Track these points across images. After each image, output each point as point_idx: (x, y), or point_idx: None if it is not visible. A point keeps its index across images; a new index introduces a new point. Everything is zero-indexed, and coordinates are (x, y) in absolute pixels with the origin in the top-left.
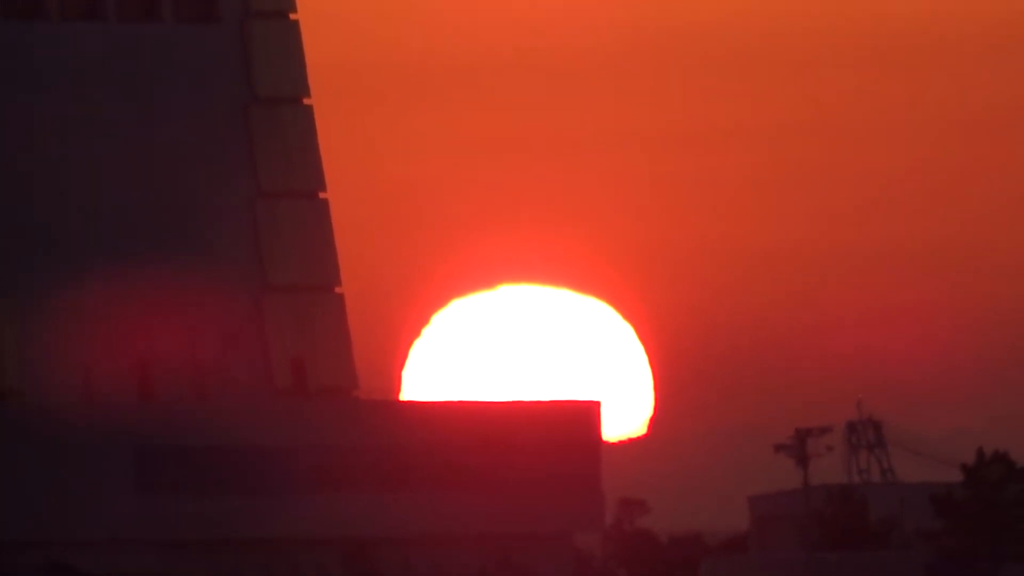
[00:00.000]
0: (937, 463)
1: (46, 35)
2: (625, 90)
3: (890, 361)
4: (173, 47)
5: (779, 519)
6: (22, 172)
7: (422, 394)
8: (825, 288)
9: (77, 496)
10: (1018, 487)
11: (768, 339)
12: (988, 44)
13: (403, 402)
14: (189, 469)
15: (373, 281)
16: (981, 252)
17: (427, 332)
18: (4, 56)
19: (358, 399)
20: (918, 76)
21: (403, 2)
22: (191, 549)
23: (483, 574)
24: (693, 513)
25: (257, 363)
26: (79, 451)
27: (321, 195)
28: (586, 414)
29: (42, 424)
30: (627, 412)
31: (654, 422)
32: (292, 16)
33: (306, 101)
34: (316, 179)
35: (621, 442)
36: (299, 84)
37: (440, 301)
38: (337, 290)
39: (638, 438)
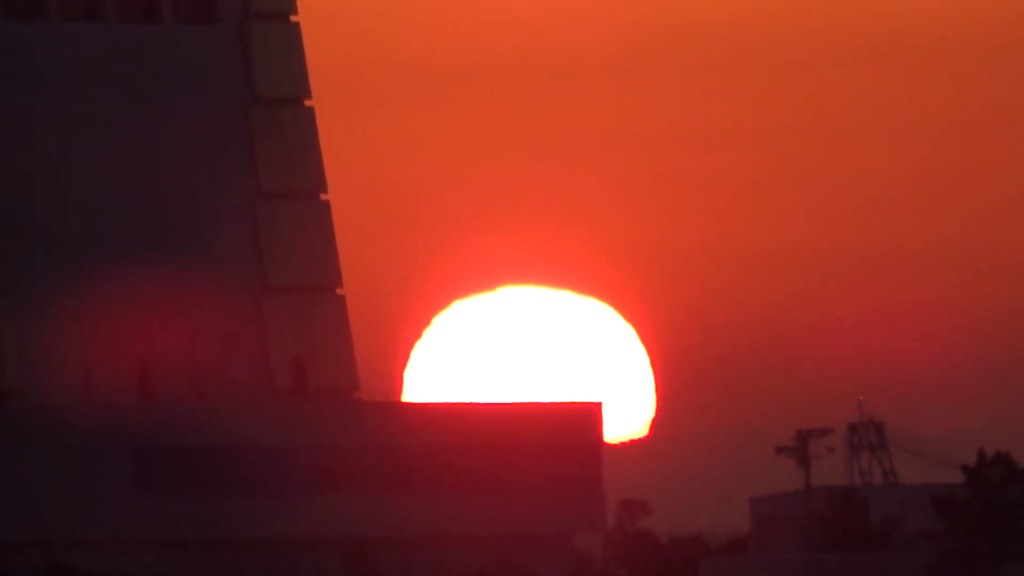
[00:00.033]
0: (938, 464)
1: (46, 35)
2: (625, 90)
3: (891, 361)
4: (173, 48)
5: (780, 520)
6: (22, 172)
7: (423, 395)
8: (825, 288)
9: (77, 496)
10: (1019, 488)
11: (768, 339)
12: (988, 44)
13: (404, 403)
14: (189, 469)
15: (374, 282)
16: (981, 252)
17: (428, 333)
18: (4, 56)
19: (359, 400)
20: (918, 76)
21: (403, 2)
22: (191, 549)
23: (483, 575)
24: (694, 514)
25: (257, 363)
26: (79, 451)
27: (322, 196)
28: (587, 415)
29: (42, 424)
30: (628, 413)
31: (655, 423)
32: (292, 17)
33: (307, 102)
34: (317, 180)
35: (622, 443)
36: (299, 85)
37: (441, 302)
38: (338, 291)
39: (639, 439)
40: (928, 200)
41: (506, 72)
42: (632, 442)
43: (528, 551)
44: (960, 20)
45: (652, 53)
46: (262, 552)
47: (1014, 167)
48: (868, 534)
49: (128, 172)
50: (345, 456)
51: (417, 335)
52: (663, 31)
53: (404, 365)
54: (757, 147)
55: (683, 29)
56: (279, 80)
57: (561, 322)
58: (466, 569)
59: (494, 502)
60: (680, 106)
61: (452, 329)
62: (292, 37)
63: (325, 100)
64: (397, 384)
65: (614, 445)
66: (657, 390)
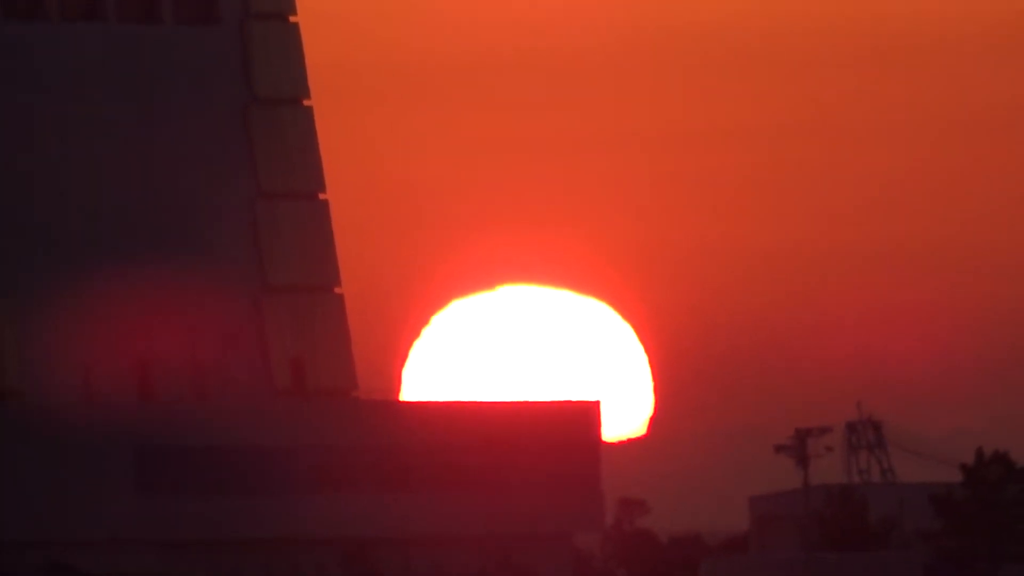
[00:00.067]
0: (937, 463)
1: (46, 35)
2: (625, 90)
3: (890, 361)
4: (173, 48)
5: (779, 519)
6: (22, 172)
7: (422, 394)
8: (825, 288)
9: (77, 496)
10: (1017, 487)
11: (768, 339)
12: (988, 44)
13: (403, 402)
14: (189, 469)
15: (373, 281)
16: (981, 252)
17: (427, 332)
18: (4, 56)
19: (358, 399)
20: (918, 76)
21: (403, 2)
22: (191, 549)
23: (483, 574)
24: (693, 513)
25: (257, 363)
26: (79, 451)
27: (321, 196)
28: (586, 414)
29: (42, 424)
30: (627, 412)
31: (654, 422)
32: (292, 17)
33: (306, 102)
34: (316, 180)
35: (621, 442)
36: (299, 85)
37: (440, 301)
38: (337, 290)
39: (638, 438)
40: (928, 200)
41: (506, 72)
42: (631, 441)
43: (527, 550)
44: (960, 20)
45: (652, 53)
46: (262, 552)
47: (1014, 167)
48: (867, 533)
49: (128, 172)
50: (344, 455)
51: (416, 334)
52: (663, 31)
53: (403, 364)
54: (757, 147)
55: (683, 29)
56: (278, 80)
57: (560, 321)
58: (465, 568)
59: (493, 501)
60: (680, 106)
61: (451, 328)
62: (291, 37)
63: (324, 100)
64: (396, 383)
65: (613, 444)
66: (656, 389)
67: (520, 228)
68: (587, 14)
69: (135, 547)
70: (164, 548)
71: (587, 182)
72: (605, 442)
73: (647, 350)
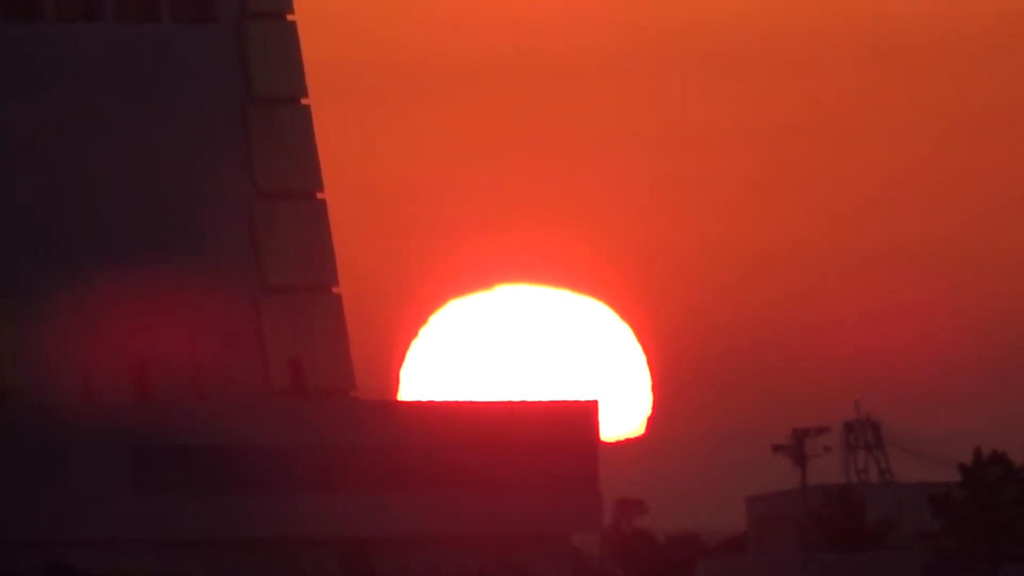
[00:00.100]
0: (935, 463)
1: (44, 35)
2: (625, 90)
3: (889, 361)
4: (171, 47)
5: (777, 519)
6: (22, 172)
7: (420, 394)
8: (825, 288)
9: (76, 496)
10: (1016, 487)
11: (767, 339)
12: (988, 44)
13: (401, 402)
14: (188, 469)
15: (371, 281)
16: (981, 252)
17: (425, 332)
18: (3, 56)
19: (356, 399)
20: (918, 76)
21: (403, 2)
22: (190, 549)
23: (482, 574)
24: (691, 513)
25: (255, 363)
26: (78, 451)
27: (319, 195)
28: (584, 414)
29: (41, 424)
30: (625, 412)
31: (652, 422)
32: (289, 16)
33: (304, 101)
34: (314, 179)
35: (619, 442)
36: (297, 84)
37: (438, 301)
38: (335, 290)
39: (636, 438)
40: (928, 200)
41: (505, 72)
42: (629, 441)
43: (526, 550)
44: (960, 20)
45: (652, 53)
46: (261, 552)
47: (1014, 167)
48: (865, 533)
49: (126, 171)
50: (343, 455)
51: (414, 334)
52: (663, 31)
53: (401, 364)
54: (757, 147)
55: (683, 29)
56: (276, 79)
57: (558, 321)
58: (464, 568)
59: (492, 501)
60: (680, 106)
61: (449, 328)
62: (289, 36)
63: (323, 100)
64: (394, 383)
65: (611, 444)
66: (654, 389)
67: (518, 228)
68: (587, 14)
69: (134, 547)
70: (163, 548)
71: (586, 182)
72: (603, 442)
73: (645, 350)
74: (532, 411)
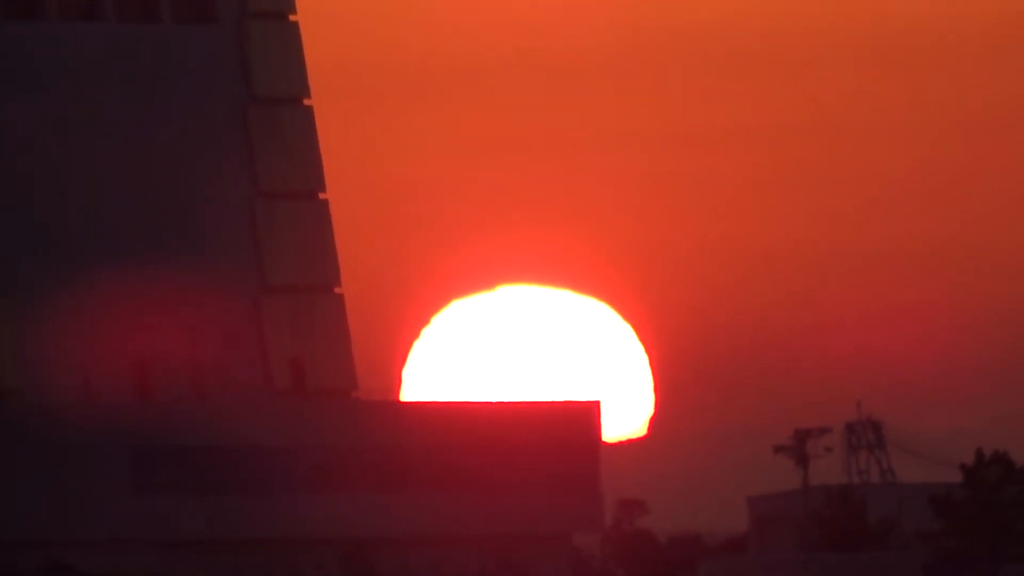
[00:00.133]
0: (936, 464)
1: (45, 35)
2: (625, 90)
3: (890, 361)
4: (172, 47)
5: (778, 520)
6: (21, 172)
7: (421, 394)
8: (825, 288)
9: (76, 496)
10: (1017, 488)
11: (768, 339)
12: (988, 44)
13: (402, 403)
14: (188, 469)
15: (373, 281)
16: (981, 252)
17: (426, 333)
18: (3, 56)
19: (357, 399)
20: (918, 76)
21: (403, 2)
22: (190, 549)
23: (482, 574)
24: (692, 514)
25: (256, 363)
26: (78, 451)
27: (320, 195)
28: (585, 414)
29: (41, 424)
30: (627, 413)
31: (653, 423)
32: (291, 16)
33: (305, 101)
34: (315, 179)
35: (620, 442)
36: (298, 84)
37: (440, 301)
38: (336, 290)
39: (637, 439)
40: (928, 200)
41: (506, 72)
42: (630, 441)
43: (527, 550)
44: (960, 20)
45: (652, 53)
46: (261, 552)
47: (1014, 167)
48: (866, 533)
49: (128, 172)
50: (344, 456)
51: (416, 334)
52: (663, 31)
53: (403, 364)
54: (757, 147)
55: (683, 29)
56: (278, 79)
57: (560, 321)
58: (465, 568)
59: (493, 501)
60: (680, 106)
61: (451, 328)
62: (291, 36)
63: (324, 100)
64: (396, 383)
65: (612, 444)
66: (655, 389)
67: (520, 228)
68: (587, 14)
69: (134, 547)
70: (163, 548)
71: (587, 182)
72: (605, 442)
73: (647, 350)
74: (534, 411)
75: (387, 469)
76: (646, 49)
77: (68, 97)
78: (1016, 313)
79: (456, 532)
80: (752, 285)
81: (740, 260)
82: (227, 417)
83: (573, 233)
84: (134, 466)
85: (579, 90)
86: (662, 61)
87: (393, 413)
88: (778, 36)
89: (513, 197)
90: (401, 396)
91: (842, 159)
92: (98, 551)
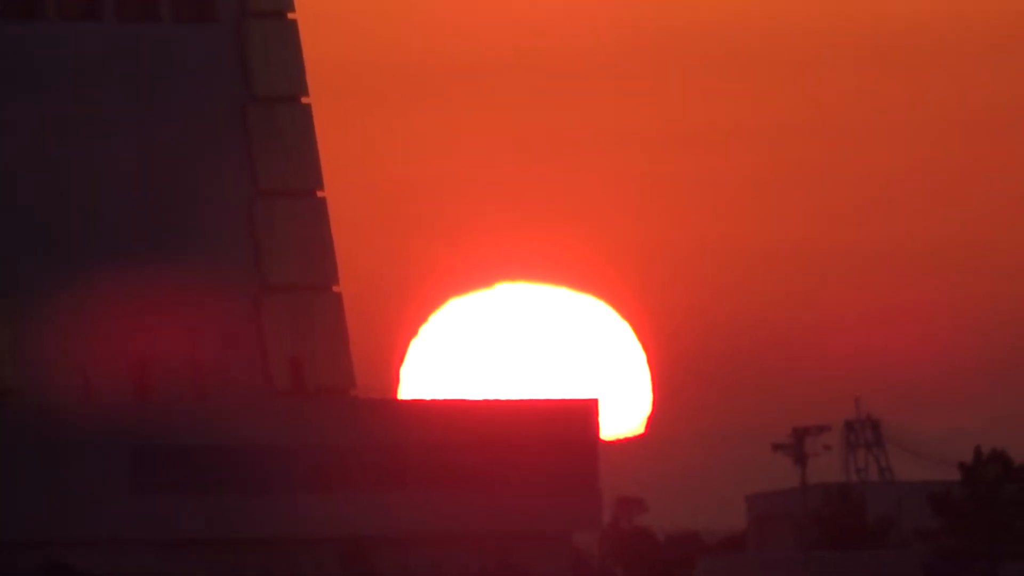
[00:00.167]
0: (935, 462)
1: (44, 35)
2: (625, 90)
3: (889, 361)
4: (171, 47)
5: (777, 518)
6: (20, 172)
7: (420, 393)
8: (825, 288)
9: (76, 496)
10: (1015, 486)
11: (767, 339)
12: (988, 44)
13: (401, 401)
14: (188, 469)
15: (371, 280)
16: (981, 252)
17: (425, 331)
18: (4, 56)
19: (356, 398)
20: (918, 76)
21: (403, 2)
22: (190, 549)
23: (482, 573)
24: (691, 512)
25: (255, 362)
26: (78, 451)
27: (319, 194)
28: (584, 413)
29: (41, 424)
30: (625, 411)
31: (652, 421)
32: (290, 15)
33: (304, 100)
34: (314, 178)
35: (619, 441)
36: (297, 83)
37: (438, 300)
38: (335, 289)
39: (636, 437)
40: (928, 200)
41: (505, 72)
42: (629, 440)
43: (526, 549)
44: (960, 20)
45: (652, 53)
46: (261, 551)
47: (1014, 167)
48: (865, 532)
49: (127, 171)
50: (343, 454)
51: (414, 332)
52: (663, 31)
53: (401, 362)
54: (757, 147)
55: (683, 29)
56: (276, 78)
57: (558, 319)
58: (464, 567)
59: (491, 499)
60: (680, 106)
61: (449, 326)
62: (289, 35)
63: (323, 99)
64: (394, 382)
65: (611, 442)
66: (654, 388)
67: (518, 227)
68: (587, 14)
69: (134, 547)
70: (163, 548)
71: (586, 182)
72: (603, 441)
73: (645, 349)
74: (532, 410)
75: (386, 468)
76: (646, 49)
77: (68, 97)
78: (1016, 313)
79: (456, 531)
80: (751, 285)
81: (739, 260)
82: (227, 417)
83: (572, 232)
84: (134, 466)
85: (579, 90)
86: (662, 61)
87: (392, 412)
88: (778, 36)
89: (512, 196)
90: (400, 394)
91: (842, 159)
92: (98, 551)
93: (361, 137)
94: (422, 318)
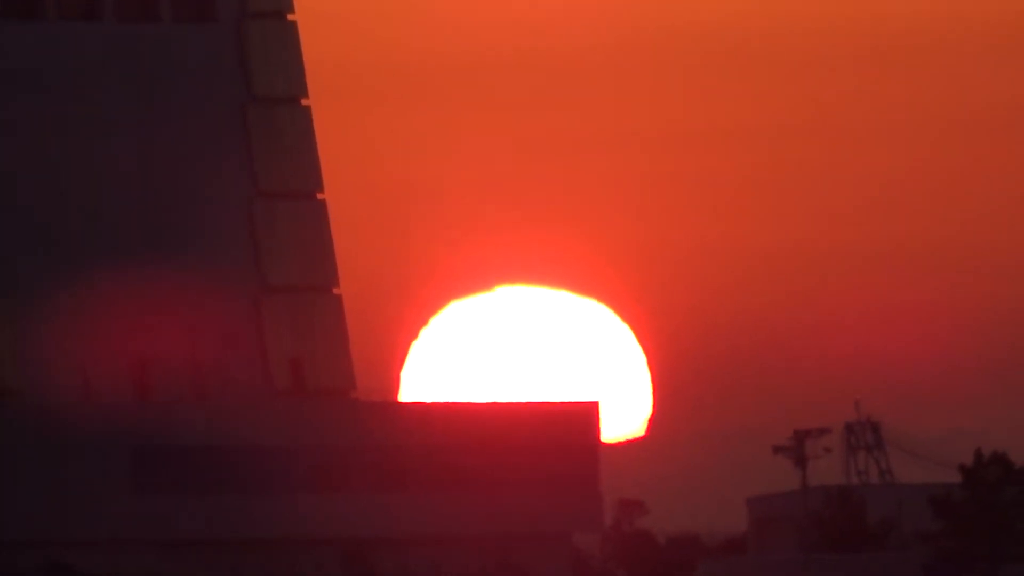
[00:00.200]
0: (935, 464)
1: (45, 35)
2: (625, 90)
3: (889, 362)
4: (171, 47)
5: (777, 520)
6: (20, 172)
7: (420, 395)
8: (825, 288)
9: (76, 496)
10: (1016, 488)
11: (767, 340)
12: (988, 44)
13: (401, 403)
14: (188, 469)
15: (371, 282)
16: (981, 252)
17: (425, 333)
18: (4, 56)
19: (356, 400)
20: (918, 76)
21: (403, 2)
22: (190, 549)
23: (482, 574)
24: (691, 514)
25: (255, 363)
26: (78, 451)
27: (319, 195)
28: (585, 415)
29: (41, 424)
30: (626, 413)
31: (652, 423)
32: (290, 16)
33: (304, 101)
34: (314, 179)
35: (620, 443)
36: (297, 84)
37: (438, 302)
38: (335, 291)
39: (636, 439)
40: (928, 200)
41: (505, 72)
42: (629, 442)
43: (527, 550)
44: (960, 20)
45: (652, 53)
46: (261, 552)
47: (1014, 167)
48: (865, 534)
49: (126, 171)
50: (343, 456)
51: (414, 335)
52: (663, 31)
53: (401, 365)
54: (757, 147)
55: (683, 29)
56: (276, 79)
57: (558, 322)
58: (464, 568)
59: (492, 501)
60: (680, 106)
61: (449, 329)
62: (289, 36)
63: (323, 100)
64: (394, 384)
65: (611, 445)
66: (654, 390)
67: (518, 228)
68: (587, 14)
69: (134, 547)
70: (163, 548)
71: (586, 182)
72: (604, 443)
73: (646, 351)
74: (533, 412)
75: (386, 469)
76: (646, 49)
77: (68, 97)
78: (1016, 313)
79: (456, 532)
80: (751, 285)
81: (739, 260)
82: (227, 417)
83: (572, 233)
84: (134, 466)
85: (579, 90)
86: (662, 61)
87: (392, 413)
88: (778, 36)
89: (512, 197)
90: (400, 396)
91: (842, 159)
92: (98, 551)
93: (361, 137)
94: (422, 320)
